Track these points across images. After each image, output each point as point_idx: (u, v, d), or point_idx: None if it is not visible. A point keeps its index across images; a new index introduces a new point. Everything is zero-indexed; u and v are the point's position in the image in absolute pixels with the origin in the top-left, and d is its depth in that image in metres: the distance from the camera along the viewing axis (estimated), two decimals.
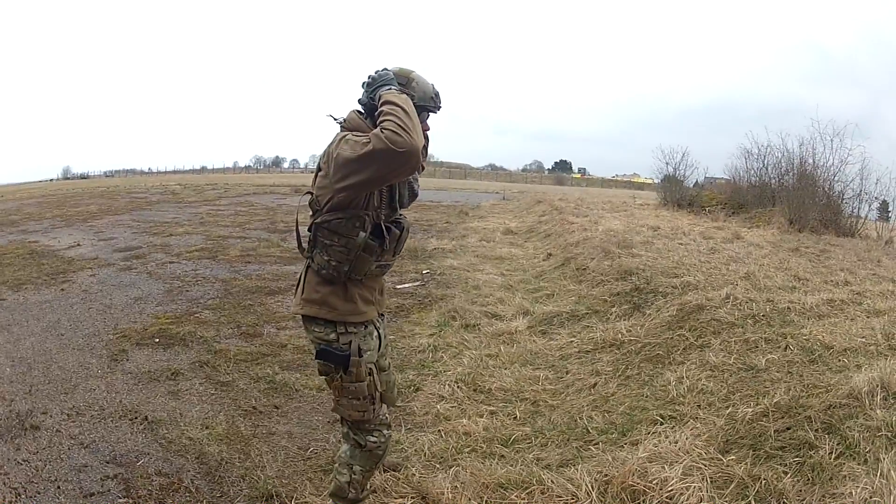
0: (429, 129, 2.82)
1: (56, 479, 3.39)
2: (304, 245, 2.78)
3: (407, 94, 2.55)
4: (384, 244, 2.68)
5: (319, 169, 2.63)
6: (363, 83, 2.69)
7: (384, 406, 2.88)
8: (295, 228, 2.96)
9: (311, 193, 2.70)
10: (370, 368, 2.75)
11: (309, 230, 2.69)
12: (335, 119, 2.74)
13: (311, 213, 2.72)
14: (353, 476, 2.86)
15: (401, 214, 2.85)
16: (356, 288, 2.71)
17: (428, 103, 2.72)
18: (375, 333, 2.85)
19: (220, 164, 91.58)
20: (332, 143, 2.55)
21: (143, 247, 10.61)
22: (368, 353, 2.75)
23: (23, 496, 3.23)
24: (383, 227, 2.67)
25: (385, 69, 2.68)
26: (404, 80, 2.66)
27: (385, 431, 2.85)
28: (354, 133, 2.50)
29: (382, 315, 3.04)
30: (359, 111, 2.72)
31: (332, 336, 2.70)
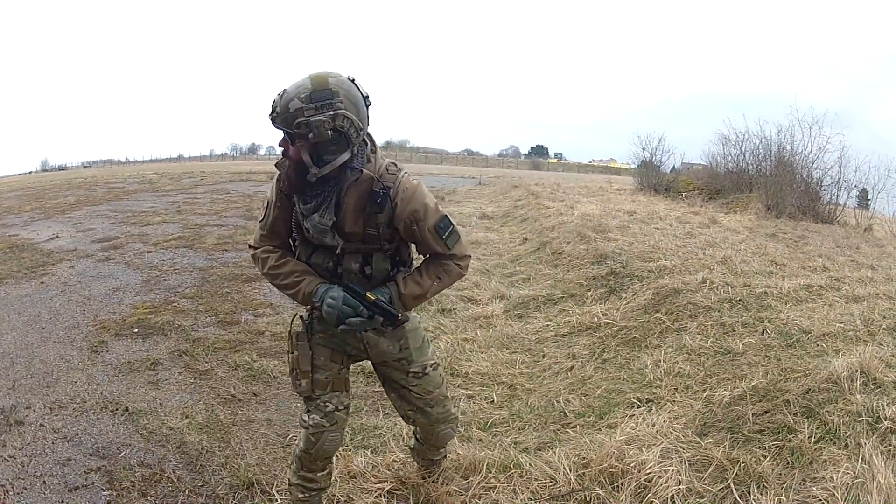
0: (286, 148, 2.38)
1: (42, 475, 3.35)
2: None
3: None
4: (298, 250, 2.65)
5: None
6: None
7: (329, 395, 2.71)
8: None
9: None
10: (297, 345, 2.65)
11: None
12: None
13: None
14: (296, 449, 2.84)
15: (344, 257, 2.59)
16: None
17: (271, 119, 2.32)
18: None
19: (196, 153, 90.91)
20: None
21: (120, 237, 10.41)
22: (320, 335, 2.67)
23: (11, 493, 3.19)
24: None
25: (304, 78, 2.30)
26: (327, 94, 2.25)
27: (317, 417, 2.68)
28: (269, 200, 2.60)
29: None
30: None
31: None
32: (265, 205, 2.59)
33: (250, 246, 2.63)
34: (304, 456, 2.78)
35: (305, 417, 2.72)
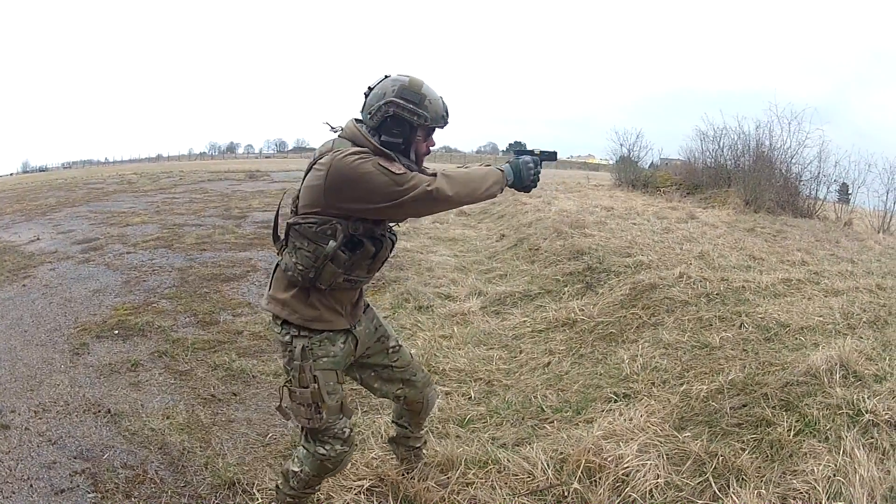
0: (433, 146, 2.62)
1: (28, 478, 3.34)
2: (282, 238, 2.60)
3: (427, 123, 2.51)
4: (355, 258, 2.46)
5: (311, 168, 2.44)
6: (365, 92, 2.51)
7: (343, 420, 2.67)
8: (274, 220, 2.71)
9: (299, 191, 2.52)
10: (315, 376, 2.54)
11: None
12: (332, 128, 2.55)
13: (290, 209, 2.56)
14: (300, 473, 2.74)
15: (389, 228, 2.64)
16: (319, 296, 2.52)
17: (438, 123, 2.52)
18: (343, 340, 2.63)
19: (175, 152, 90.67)
20: (338, 153, 2.34)
21: (100, 238, 10.35)
22: (324, 359, 2.56)
23: (0, 496, 3.17)
24: (358, 240, 2.45)
25: (386, 76, 2.47)
26: (417, 98, 2.42)
27: (338, 447, 2.65)
28: (382, 159, 2.37)
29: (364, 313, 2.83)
30: (358, 120, 2.51)
31: (287, 339, 2.55)
32: (396, 162, 2.43)
33: (427, 188, 2.38)
34: (314, 480, 2.76)
35: (323, 451, 2.64)
